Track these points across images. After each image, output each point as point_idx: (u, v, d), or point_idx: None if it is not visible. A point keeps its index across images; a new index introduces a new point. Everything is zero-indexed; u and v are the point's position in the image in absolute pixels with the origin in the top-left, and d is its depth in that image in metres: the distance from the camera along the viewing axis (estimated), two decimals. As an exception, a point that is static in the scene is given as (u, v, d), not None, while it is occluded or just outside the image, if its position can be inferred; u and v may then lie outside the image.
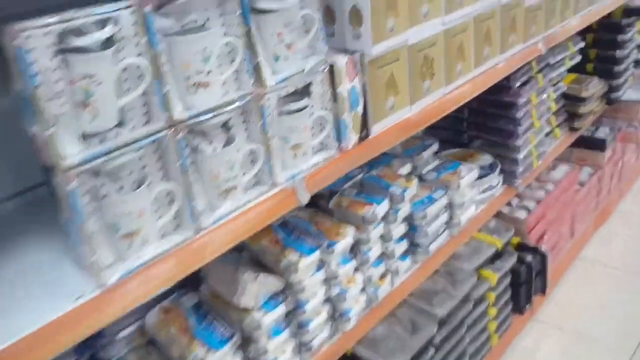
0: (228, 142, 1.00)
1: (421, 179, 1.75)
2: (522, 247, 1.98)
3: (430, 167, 1.79)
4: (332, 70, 1.13)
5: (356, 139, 1.21)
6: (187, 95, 0.92)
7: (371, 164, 1.69)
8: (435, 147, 1.83)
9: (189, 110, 0.92)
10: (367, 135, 1.24)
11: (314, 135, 1.16)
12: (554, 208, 2.17)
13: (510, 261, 1.88)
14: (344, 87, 1.15)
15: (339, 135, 1.18)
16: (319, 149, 1.18)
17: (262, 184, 1.08)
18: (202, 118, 0.92)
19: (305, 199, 1.10)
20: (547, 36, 1.83)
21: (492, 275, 1.79)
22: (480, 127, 2.02)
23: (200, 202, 0.97)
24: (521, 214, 2.06)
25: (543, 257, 1.97)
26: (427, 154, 1.80)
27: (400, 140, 1.35)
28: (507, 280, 1.89)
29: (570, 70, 2.32)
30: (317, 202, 1.55)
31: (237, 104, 0.97)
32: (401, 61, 1.28)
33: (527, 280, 1.94)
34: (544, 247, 1.97)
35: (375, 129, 1.26)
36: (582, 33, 2.30)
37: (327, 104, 1.15)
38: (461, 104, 1.50)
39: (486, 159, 1.97)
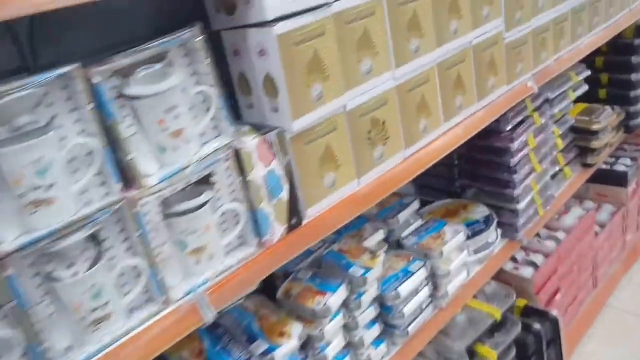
0: (97, 260, 0.79)
1: (399, 244, 1.50)
2: (528, 312, 1.68)
3: (410, 229, 1.53)
4: (239, 155, 0.90)
5: (284, 230, 0.98)
6: (24, 217, 0.72)
7: (340, 231, 1.46)
8: (415, 205, 1.57)
9: (26, 235, 0.71)
10: (298, 223, 1.00)
11: (225, 233, 0.94)
12: (568, 259, 1.85)
13: (513, 331, 1.59)
14: (256, 174, 0.92)
15: (258, 229, 0.95)
16: (233, 247, 0.96)
17: (152, 303, 0.86)
18: (43, 244, 0.71)
19: (209, 316, 0.87)
20: (539, 72, 1.56)
21: (491, 353, 1.50)
22: (472, 175, 1.75)
23: (59, 341, 0.76)
24: (527, 272, 1.76)
25: (554, 323, 1.67)
26: (406, 214, 1.54)
27: (349, 220, 1.11)
28: (512, 353, 1.60)
29: (580, 99, 2.02)
30: (274, 283, 1.33)
31: (96, 217, 0.76)
32: (340, 130, 1.04)
33: (536, 351, 1.64)
34: (555, 311, 1.67)
35: (311, 213, 1.03)
36: (591, 56, 2.01)
37: (238, 195, 0.93)
38: (429, 165, 1.25)
39: (481, 211, 1.70)
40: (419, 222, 1.56)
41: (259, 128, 0.96)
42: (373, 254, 1.30)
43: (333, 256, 1.30)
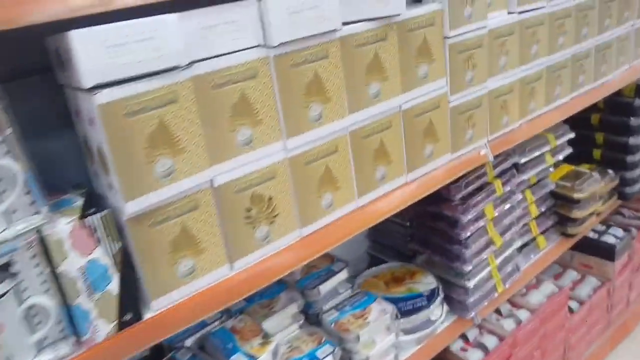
0: None
1: (318, 320, 1.32)
2: (470, 403, 1.46)
3: (334, 302, 1.34)
4: (45, 243, 0.74)
5: (112, 327, 0.81)
6: None
7: (251, 298, 1.29)
8: (343, 274, 1.37)
9: None
10: (136, 319, 0.84)
11: (35, 329, 0.78)
12: (528, 344, 1.62)
13: None
14: (71, 264, 0.76)
15: (75, 327, 0.79)
16: (45, 346, 0.79)
17: None
18: None
19: None
20: (497, 138, 1.34)
21: None
22: (423, 241, 1.55)
23: None
24: (475, 356, 1.53)
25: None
26: (333, 283, 1.35)
27: (216, 311, 0.93)
28: None
29: (571, 158, 1.78)
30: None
31: None
32: (203, 209, 0.87)
33: None
34: (500, 406, 1.44)
35: (159, 305, 0.86)
36: (586, 111, 1.77)
37: (49, 287, 0.77)
38: (335, 246, 1.06)
39: (428, 282, 1.49)
40: (347, 294, 1.37)
41: (92, 206, 0.80)
42: (266, 338, 1.12)
43: (221, 336, 1.13)
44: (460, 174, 1.26)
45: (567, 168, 1.82)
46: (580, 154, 1.91)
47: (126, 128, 0.75)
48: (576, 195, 1.70)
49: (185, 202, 0.85)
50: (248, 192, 0.92)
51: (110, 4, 0.72)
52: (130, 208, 0.78)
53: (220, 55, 0.83)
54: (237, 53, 0.85)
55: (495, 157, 1.36)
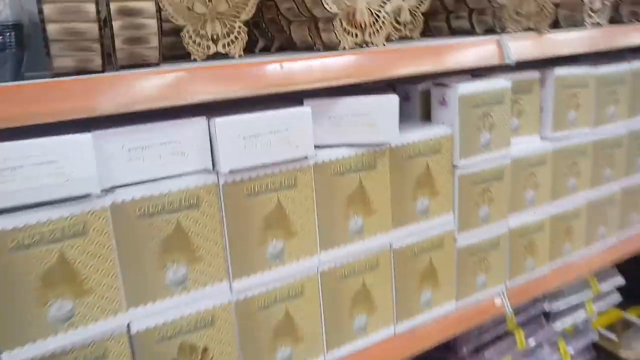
0: None
1: None
2: None
3: None
4: None
5: None
6: None
7: None
8: None
9: None
10: None
11: None
12: None
13: None
14: None
15: None
16: None
17: None
18: None
19: None
20: (518, 285, 1.13)
21: None
22: (426, 390, 1.31)
23: None
24: None
25: None
26: None
27: None
28: None
29: (625, 302, 1.52)
30: None
31: None
32: (115, 358, 0.72)
33: None
34: None
35: None
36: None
37: None
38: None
39: None
40: None
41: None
42: None
43: None
44: (467, 328, 1.05)
45: (614, 313, 1.55)
46: (634, 292, 1.63)
47: (13, 264, 0.62)
48: (623, 354, 1.42)
49: (89, 351, 0.70)
50: (175, 340, 0.76)
51: (178, 97, 0.66)
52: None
53: (153, 180, 0.71)
54: (175, 178, 0.72)
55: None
